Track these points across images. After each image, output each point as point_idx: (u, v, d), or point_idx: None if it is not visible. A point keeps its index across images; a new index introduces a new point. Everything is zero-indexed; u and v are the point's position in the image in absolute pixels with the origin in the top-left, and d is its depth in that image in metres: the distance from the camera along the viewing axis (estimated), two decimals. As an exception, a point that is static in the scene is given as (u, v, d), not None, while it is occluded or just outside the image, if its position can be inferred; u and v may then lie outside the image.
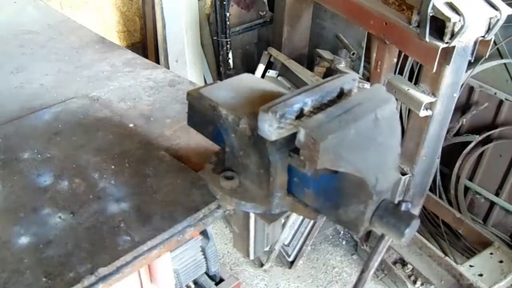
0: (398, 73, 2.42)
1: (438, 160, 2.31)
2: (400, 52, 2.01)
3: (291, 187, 0.70)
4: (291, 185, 0.70)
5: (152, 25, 2.89)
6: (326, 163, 0.57)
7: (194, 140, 0.99)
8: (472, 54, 1.68)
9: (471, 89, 2.55)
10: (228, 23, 2.95)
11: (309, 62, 3.08)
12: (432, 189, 2.60)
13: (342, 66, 2.60)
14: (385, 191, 0.61)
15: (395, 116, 0.65)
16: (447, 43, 1.56)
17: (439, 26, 1.56)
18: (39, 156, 0.91)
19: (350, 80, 0.68)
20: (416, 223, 0.59)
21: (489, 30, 1.59)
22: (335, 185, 0.61)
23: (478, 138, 2.53)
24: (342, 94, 0.67)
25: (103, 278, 0.69)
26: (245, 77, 0.78)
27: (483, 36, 1.61)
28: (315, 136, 0.55)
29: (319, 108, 0.64)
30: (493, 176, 2.60)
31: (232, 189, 0.72)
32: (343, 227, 0.62)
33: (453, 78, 1.75)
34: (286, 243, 2.57)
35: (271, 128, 0.60)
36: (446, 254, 2.26)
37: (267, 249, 1.33)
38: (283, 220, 1.74)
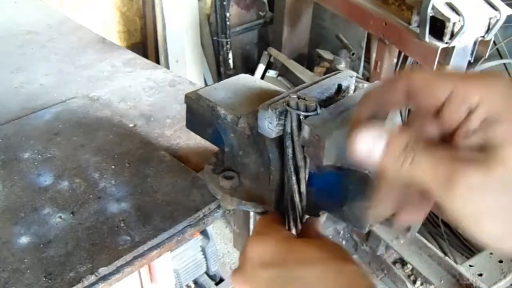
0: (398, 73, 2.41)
1: (438, 160, 2.31)
2: (400, 52, 2.01)
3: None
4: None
5: (152, 25, 2.89)
6: (331, 160, 0.57)
7: (194, 140, 1.00)
8: (471, 54, 1.68)
9: (471, 89, 2.55)
10: (228, 23, 2.95)
11: (309, 62, 3.09)
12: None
13: (342, 66, 2.60)
14: None
15: (396, 112, 0.66)
16: (446, 43, 1.57)
17: (439, 26, 1.56)
18: (39, 156, 0.91)
19: (347, 77, 0.68)
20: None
21: (488, 30, 1.59)
22: (339, 181, 0.61)
23: (478, 138, 2.53)
24: (339, 91, 0.67)
25: (103, 277, 0.70)
26: (242, 78, 0.78)
27: (483, 36, 1.61)
28: (320, 133, 0.56)
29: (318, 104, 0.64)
30: (493, 176, 2.60)
31: (232, 188, 0.72)
32: (347, 224, 0.62)
33: (453, 78, 1.75)
34: (286, 243, 2.56)
35: (271, 125, 0.60)
36: (445, 254, 2.26)
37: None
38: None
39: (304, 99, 0.58)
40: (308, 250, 0.54)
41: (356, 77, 0.73)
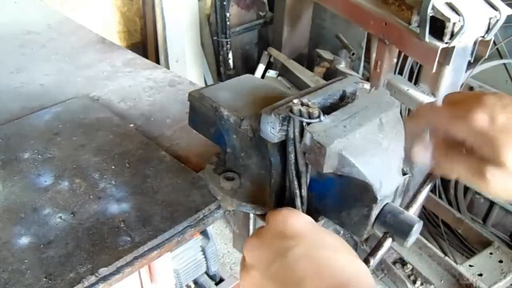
0: (398, 73, 2.42)
1: (438, 160, 2.31)
2: (400, 52, 2.01)
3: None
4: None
5: (152, 26, 2.89)
6: (332, 167, 0.57)
7: (194, 140, 0.99)
8: (471, 54, 1.68)
9: (470, 89, 2.55)
10: (228, 23, 2.95)
11: (309, 62, 3.09)
12: (432, 189, 2.60)
13: (342, 66, 2.60)
14: (389, 195, 0.61)
15: (399, 121, 0.65)
16: (446, 43, 1.56)
17: (439, 26, 1.56)
18: (39, 156, 0.91)
19: (352, 82, 0.68)
20: (419, 227, 0.59)
21: (488, 30, 1.59)
22: (339, 188, 0.61)
23: (478, 138, 2.53)
24: (344, 97, 0.67)
25: (104, 278, 0.70)
26: (246, 78, 0.78)
27: (483, 36, 1.61)
28: (322, 141, 0.55)
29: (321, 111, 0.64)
30: (493, 176, 2.60)
31: (233, 189, 0.72)
32: (346, 230, 0.63)
33: (452, 78, 1.75)
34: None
35: (274, 130, 0.60)
36: (445, 254, 2.26)
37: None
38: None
39: (308, 105, 0.58)
40: (333, 237, 0.55)
41: (356, 77, 0.73)
